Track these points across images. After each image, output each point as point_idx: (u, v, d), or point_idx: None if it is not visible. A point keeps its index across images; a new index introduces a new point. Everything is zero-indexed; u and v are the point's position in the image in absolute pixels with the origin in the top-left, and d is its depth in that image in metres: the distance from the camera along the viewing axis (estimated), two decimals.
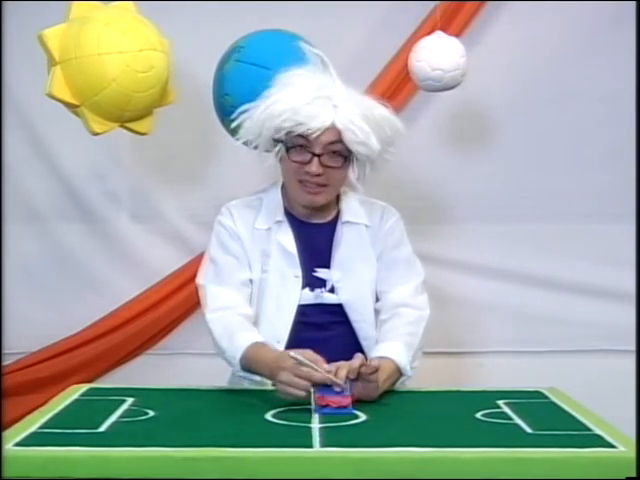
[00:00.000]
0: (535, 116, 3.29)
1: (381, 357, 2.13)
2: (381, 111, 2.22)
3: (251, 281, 2.28)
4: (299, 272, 2.27)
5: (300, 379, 1.94)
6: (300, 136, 2.16)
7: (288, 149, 2.20)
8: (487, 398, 2.08)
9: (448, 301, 3.22)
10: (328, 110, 2.14)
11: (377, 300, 2.33)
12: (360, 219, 2.33)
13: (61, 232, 3.31)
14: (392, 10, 3.21)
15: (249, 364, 2.11)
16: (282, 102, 2.15)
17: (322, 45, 2.53)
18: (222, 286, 2.25)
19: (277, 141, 2.21)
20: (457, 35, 2.92)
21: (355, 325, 2.28)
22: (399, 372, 2.15)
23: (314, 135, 2.15)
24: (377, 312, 2.31)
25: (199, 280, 2.31)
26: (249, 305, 2.26)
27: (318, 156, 2.17)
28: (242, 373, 2.15)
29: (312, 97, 2.14)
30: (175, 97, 2.63)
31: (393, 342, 2.19)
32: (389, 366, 2.12)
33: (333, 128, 2.15)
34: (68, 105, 2.49)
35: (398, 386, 2.22)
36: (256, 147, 2.24)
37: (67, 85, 2.43)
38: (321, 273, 2.28)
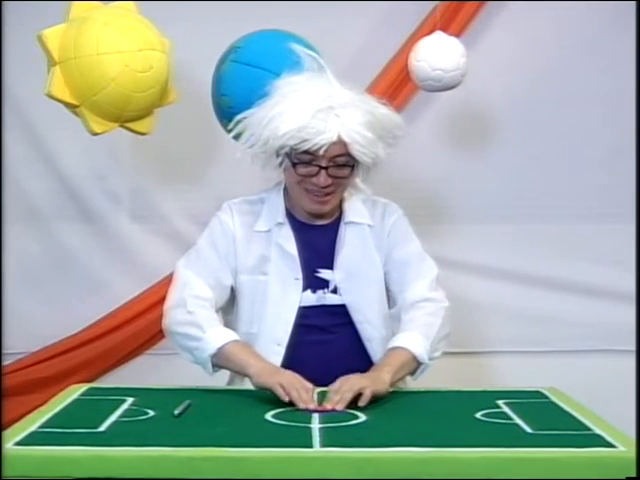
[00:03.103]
0: (535, 116, 3.30)
1: (396, 347, 2.15)
2: (382, 111, 2.21)
3: (229, 287, 2.28)
4: (299, 274, 2.26)
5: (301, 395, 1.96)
6: (306, 152, 2.14)
7: (294, 164, 2.18)
8: (487, 398, 2.08)
9: (448, 301, 3.21)
10: (332, 123, 2.11)
11: (391, 305, 2.32)
12: (363, 219, 2.32)
13: (61, 232, 3.31)
14: (392, 10, 3.21)
15: (234, 352, 2.11)
16: (285, 119, 2.11)
17: (322, 45, 2.54)
18: (200, 278, 2.25)
19: (280, 154, 2.19)
20: (457, 35, 2.92)
21: (359, 326, 2.27)
22: (416, 361, 2.15)
23: (321, 151, 2.13)
24: (395, 315, 2.29)
25: (179, 264, 2.30)
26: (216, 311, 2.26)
27: (325, 168, 2.16)
28: (208, 359, 2.14)
29: (315, 110, 2.11)
30: (175, 97, 2.63)
31: (409, 332, 2.19)
32: (403, 355, 2.14)
33: (339, 141, 2.13)
34: (68, 105, 2.49)
35: (400, 386, 2.22)
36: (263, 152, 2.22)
37: (66, 85, 2.43)
38: (324, 274, 2.27)
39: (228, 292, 2.29)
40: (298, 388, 1.98)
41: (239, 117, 2.23)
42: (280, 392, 1.98)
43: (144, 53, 2.42)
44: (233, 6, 3.11)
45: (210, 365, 2.16)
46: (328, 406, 1.94)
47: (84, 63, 2.40)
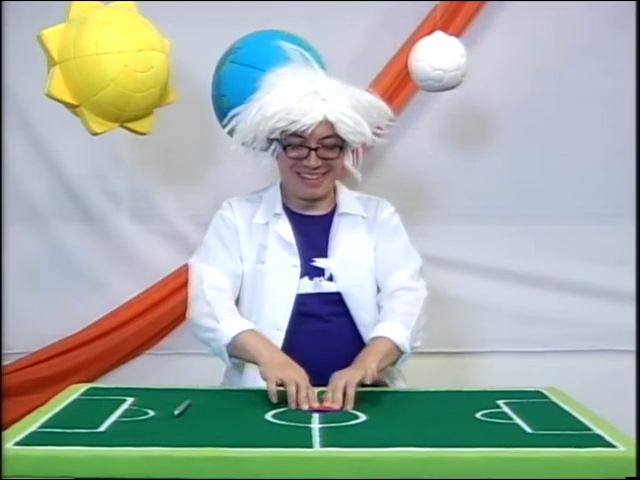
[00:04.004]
0: (535, 116, 3.29)
1: (378, 336, 2.18)
2: (367, 97, 2.28)
3: (241, 275, 2.31)
4: (297, 261, 2.30)
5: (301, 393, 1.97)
6: (295, 134, 2.22)
7: (284, 147, 2.25)
8: (487, 398, 2.08)
9: (448, 301, 3.22)
10: (318, 105, 2.19)
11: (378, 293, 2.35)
12: (356, 211, 2.38)
13: (61, 232, 3.31)
14: (392, 10, 3.21)
15: (247, 341, 2.14)
16: (273, 103, 2.20)
17: (322, 45, 2.55)
18: (214, 269, 2.30)
19: (272, 140, 2.25)
20: (457, 35, 2.91)
21: (353, 313, 2.31)
22: (398, 350, 2.18)
23: (308, 131, 2.20)
24: (378, 304, 2.33)
25: (191, 260, 2.36)
26: (235, 300, 2.31)
27: (315, 150, 2.23)
28: (224, 349, 2.16)
29: (301, 94, 2.19)
30: (175, 97, 2.63)
31: (390, 322, 2.23)
32: (386, 344, 2.16)
33: (326, 122, 2.20)
34: (67, 105, 2.49)
35: (402, 385, 2.22)
36: (254, 148, 2.29)
37: (66, 85, 2.43)
38: (319, 262, 2.31)
39: (241, 280, 2.33)
40: (299, 385, 1.97)
41: (233, 112, 2.30)
42: (271, 389, 1.99)
43: (144, 53, 2.42)
44: (233, 6, 3.10)
45: (227, 355, 2.19)
46: (335, 406, 1.94)
47: (84, 63, 2.40)
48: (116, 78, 2.39)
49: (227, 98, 2.48)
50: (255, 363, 2.13)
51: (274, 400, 1.97)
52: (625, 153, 3.25)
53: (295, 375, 2.01)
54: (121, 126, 2.55)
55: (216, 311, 2.21)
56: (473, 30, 3.18)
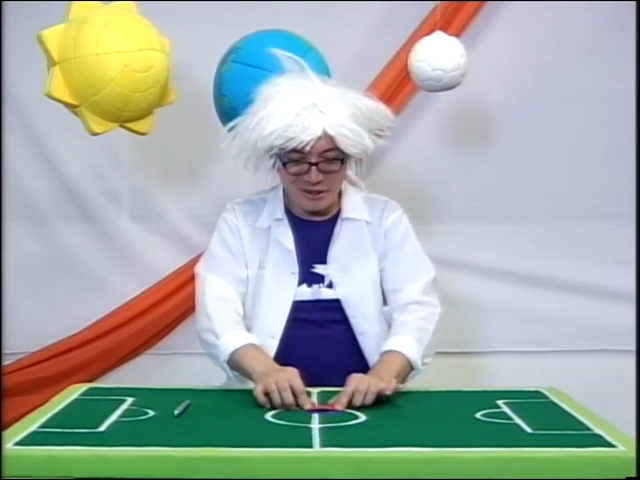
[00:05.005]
0: (535, 116, 3.29)
1: (391, 350, 2.16)
2: (366, 102, 2.23)
3: (247, 279, 2.30)
4: (296, 269, 2.28)
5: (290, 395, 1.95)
6: (294, 150, 2.17)
7: (284, 163, 2.21)
8: (487, 398, 2.08)
9: (447, 301, 3.15)
10: (316, 119, 2.14)
11: (385, 302, 2.33)
12: (361, 215, 2.34)
13: (61, 232, 3.31)
14: (392, 10, 3.21)
15: (243, 357, 2.13)
16: (270, 119, 2.14)
17: (322, 45, 2.55)
18: (218, 277, 2.28)
19: (272, 156, 2.22)
20: (457, 35, 2.91)
21: (352, 320, 2.29)
22: (410, 366, 2.16)
23: (308, 147, 2.15)
24: (387, 314, 2.30)
25: (198, 269, 2.35)
26: (242, 304, 2.29)
27: (315, 164, 2.18)
28: (225, 365, 2.17)
29: (299, 108, 2.14)
30: (175, 97, 2.63)
31: (403, 336, 2.20)
32: (400, 360, 2.14)
33: (325, 136, 2.15)
34: (67, 105, 2.49)
35: (400, 386, 2.22)
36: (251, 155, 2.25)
37: (66, 85, 2.43)
38: (319, 269, 2.29)
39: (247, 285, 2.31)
40: (281, 391, 1.95)
41: (228, 126, 2.27)
42: (260, 400, 1.97)
43: (144, 53, 2.42)
44: (233, 6, 3.10)
45: (229, 371, 2.19)
46: (337, 406, 1.94)
47: (84, 63, 2.40)
48: (116, 78, 2.39)
49: (228, 98, 2.48)
50: (251, 380, 2.11)
51: (267, 406, 1.96)
52: (625, 153, 3.26)
53: (283, 376, 1.98)
54: (121, 126, 2.55)
55: (215, 326, 2.19)
56: (473, 30, 3.18)
